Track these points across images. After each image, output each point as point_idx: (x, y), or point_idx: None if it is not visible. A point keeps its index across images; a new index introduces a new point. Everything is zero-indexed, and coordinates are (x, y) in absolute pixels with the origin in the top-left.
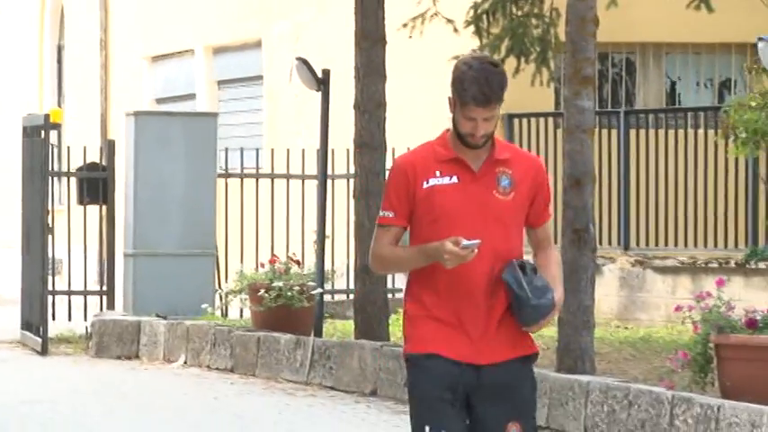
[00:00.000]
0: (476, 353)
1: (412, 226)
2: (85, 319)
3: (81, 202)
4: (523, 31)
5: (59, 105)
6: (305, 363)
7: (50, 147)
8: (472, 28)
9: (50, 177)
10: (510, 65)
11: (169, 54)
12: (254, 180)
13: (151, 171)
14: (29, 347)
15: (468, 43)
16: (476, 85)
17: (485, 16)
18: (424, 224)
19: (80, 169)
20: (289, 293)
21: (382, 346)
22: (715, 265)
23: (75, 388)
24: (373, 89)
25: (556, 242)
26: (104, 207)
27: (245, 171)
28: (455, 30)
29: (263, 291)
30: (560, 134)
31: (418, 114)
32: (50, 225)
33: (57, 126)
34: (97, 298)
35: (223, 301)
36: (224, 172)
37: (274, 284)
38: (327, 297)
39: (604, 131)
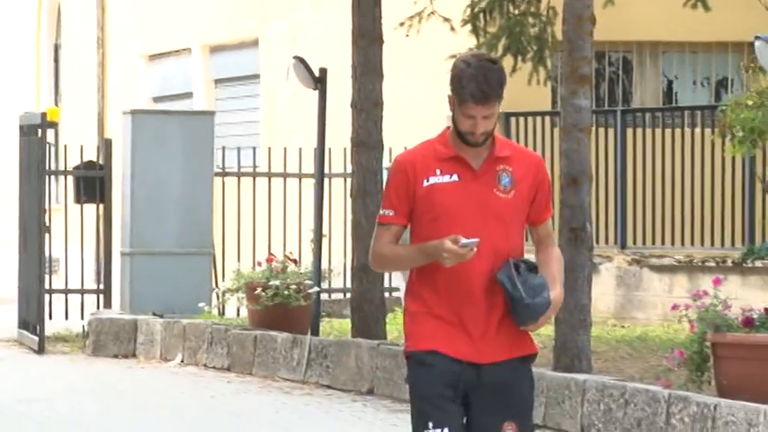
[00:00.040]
0: (476, 352)
1: (412, 224)
2: (82, 318)
3: (78, 200)
4: (520, 29)
5: (56, 104)
6: (302, 361)
7: (47, 145)
8: (469, 27)
9: (47, 176)
10: (507, 64)
11: (166, 53)
12: (252, 179)
13: (148, 170)
14: (26, 346)
15: (464, 42)
16: (474, 82)
17: (482, 15)
18: (424, 222)
19: (77, 168)
20: (286, 292)
21: (379, 344)
22: (712, 264)
23: (71, 387)
24: (370, 88)
25: None
26: (101, 206)
27: (243, 170)
28: (452, 29)
29: (260, 289)
30: (557, 133)
31: (415, 113)
32: (47, 224)
33: (54, 125)
34: (94, 297)
35: (220, 299)
36: (221, 171)
37: (271, 283)
38: (324, 296)
39: (601, 130)
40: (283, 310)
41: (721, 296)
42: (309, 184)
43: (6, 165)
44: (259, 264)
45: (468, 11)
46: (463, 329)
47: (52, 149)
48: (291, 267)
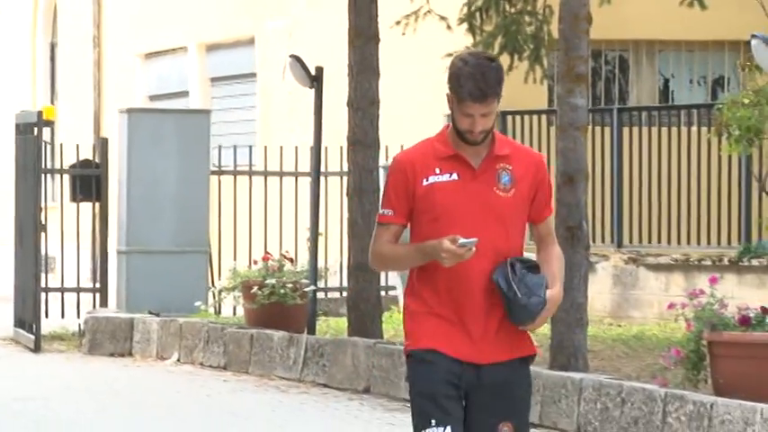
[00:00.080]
0: (476, 352)
1: (412, 224)
2: (78, 317)
3: (74, 199)
4: (516, 28)
5: (52, 103)
6: (298, 360)
7: (43, 144)
8: (465, 25)
9: (43, 174)
10: (503, 62)
11: (162, 51)
12: (248, 177)
13: (144, 168)
14: (21, 345)
15: (461, 41)
16: (471, 80)
17: (478, 13)
18: (423, 222)
19: (73, 166)
20: (282, 291)
21: (375, 343)
22: (708, 263)
23: (67, 385)
24: (366, 86)
25: None
26: (97, 204)
27: (239, 168)
28: (448, 27)
29: (256, 288)
30: (553, 131)
31: (412, 112)
32: (43, 222)
33: (50, 123)
34: (90, 295)
35: (216, 298)
36: (217, 169)
37: (267, 282)
38: (321, 294)
39: (597, 129)
40: (280, 308)
41: (718, 295)
42: (305, 183)
43: (2, 163)
44: (255, 262)
45: (465, 9)
46: (463, 329)
47: (48, 148)
48: (288, 266)
